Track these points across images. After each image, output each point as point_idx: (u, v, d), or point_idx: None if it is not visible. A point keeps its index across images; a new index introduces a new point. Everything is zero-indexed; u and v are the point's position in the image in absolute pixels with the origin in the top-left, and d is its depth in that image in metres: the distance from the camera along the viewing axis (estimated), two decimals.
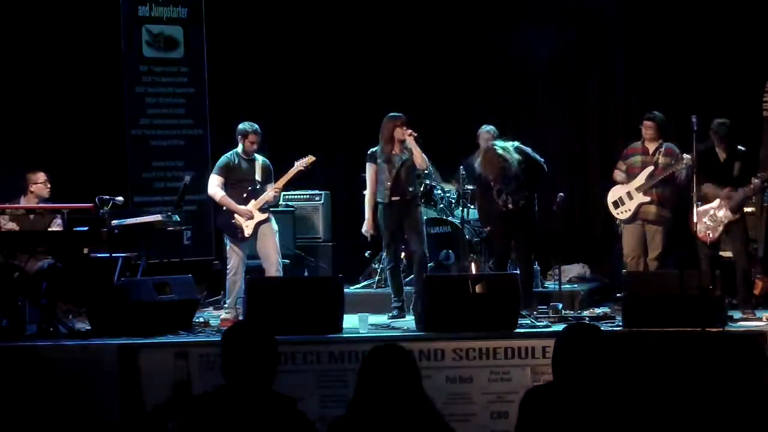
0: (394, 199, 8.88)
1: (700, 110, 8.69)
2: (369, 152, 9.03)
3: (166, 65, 10.96)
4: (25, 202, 9.02)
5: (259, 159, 9.15)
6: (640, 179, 9.09)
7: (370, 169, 9.02)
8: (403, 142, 8.86)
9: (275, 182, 9.13)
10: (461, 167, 10.06)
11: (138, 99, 10.81)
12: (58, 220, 8.88)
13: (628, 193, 9.15)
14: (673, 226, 9.10)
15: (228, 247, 9.09)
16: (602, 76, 11.50)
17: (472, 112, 11.56)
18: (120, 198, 9.25)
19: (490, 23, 11.81)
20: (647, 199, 9.07)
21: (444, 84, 11.70)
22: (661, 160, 9.04)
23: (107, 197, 9.08)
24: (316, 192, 11.15)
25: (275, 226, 9.11)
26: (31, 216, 8.96)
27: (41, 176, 9.02)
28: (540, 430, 4.03)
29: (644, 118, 9.17)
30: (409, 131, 8.81)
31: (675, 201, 9.11)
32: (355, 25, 11.80)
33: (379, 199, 8.98)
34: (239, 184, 9.06)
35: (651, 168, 9.08)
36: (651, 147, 9.13)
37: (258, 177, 9.08)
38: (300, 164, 9.17)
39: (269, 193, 9.04)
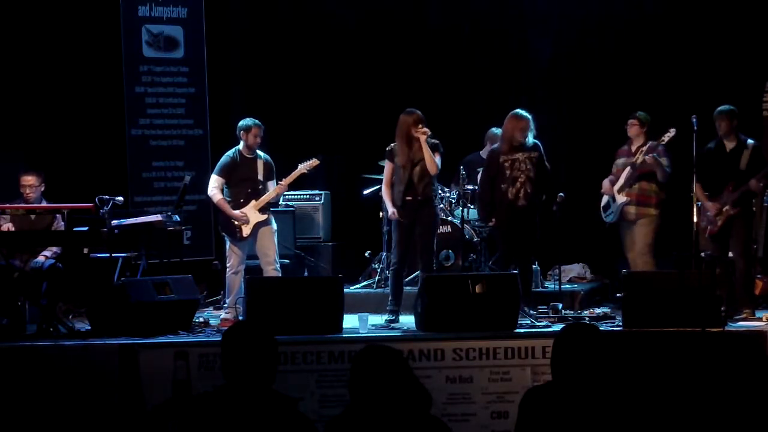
0: (407, 199, 8.75)
1: (700, 110, 8.69)
2: (388, 149, 8.87)
3: (166, 65, 10.95)
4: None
5: (261, 156, 9.11)
6: (621, 180, 9.14)
7: (387, 167, 8.90)
8: (418, 140, 8.70)
9: (278, 181, 9.09)
10: (461, 167, 10.06)
11: (138, 99, 10.79)
12: (60, 221, 8.87)
13: (613, 196, 9.19)
14: (659, 222, 9.07)
15: (227, 247, 9.08)
16: (602, 75, 11.50)
17: (471, 112, 11.57)
18: (120, 198, 9.23)
19: (490, 23, 11.81)
20: (626, 199, 9.09)
21: (443, 84, 11.70)
22: (640, 159, 9.04)
23: (107, 197, 9.07)
24: (316, 192, 11.15)
25: (275, 226, 9.09)
26: (32, 216, 8.96)
27: (26, 179, 8.96)
28: (540, 430, 4.04)
29: (629, 117, 9.21)
30: (423, 130, 8.66)
31: (658, 198, 9.08)
32: (354, 26, 11.80)
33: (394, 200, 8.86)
34: (241, 183, 9.02)
35: (630, 168, 9.10)
36: (635, 147, 9.17)
37: (260, 176, 9.05)
38: (303, 167, 9.12)
39: (271, 193, 9.01)
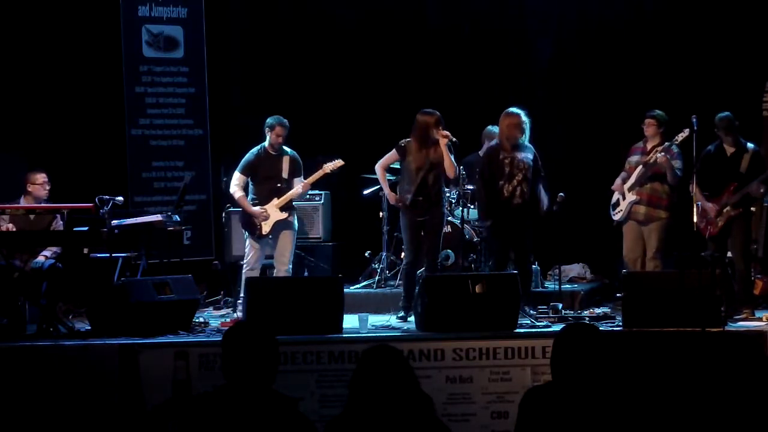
0: (417, 198, 8.73)
1: (700, 110, 8.68)
2: (401, 143, 8.80)
3: (166, 65, 10.95)
4: (24, 203, 9.02)
5: (288, 152, 9.07)
6: (632, 178, 9.11)
7: (391, 155, 8.88)
8: (436, 142, 8.64)
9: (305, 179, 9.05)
10: (461, 167, 10.05)
11: (138, 99, 10.80)
12: (59, 221, 8.87)
13: (623, 194, 9.17)
14: (670, 225, 9.08)
15: (248, 243, 9.07)
16: (602, 75, 11.50)
17: (471, 112, 11.55)
18: (120, 198, 9.24)
19: (490, 23, 11.81)
20: (636, 198, 9.07)
21: (443, 84, 11.69)
22: (653, 158, 9.01)
23: (107, 197, 9.08)
24: (316, 192, 11.10)
25: (296, 225, 9.08)
26: (32, 216, 8.96)
27: (40, 177, 8.99)
28: (540, 430, 4.04)
29: (645, 115, 9.18)
30: (444, 133, 8.62)
31: (669, 200, 9.08)
32: (354, 26, 11.80)
33: (403, 198, 8.81)
34: (264, 181, 9.00)
35: (642, 167, 9.08)
36: (650, 146, 9.13)
37: (284, 174, 9.01)
38: (327, 167, 9.09)
39: (296, 189, 8.98)
